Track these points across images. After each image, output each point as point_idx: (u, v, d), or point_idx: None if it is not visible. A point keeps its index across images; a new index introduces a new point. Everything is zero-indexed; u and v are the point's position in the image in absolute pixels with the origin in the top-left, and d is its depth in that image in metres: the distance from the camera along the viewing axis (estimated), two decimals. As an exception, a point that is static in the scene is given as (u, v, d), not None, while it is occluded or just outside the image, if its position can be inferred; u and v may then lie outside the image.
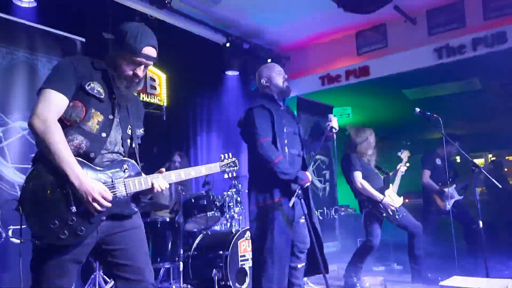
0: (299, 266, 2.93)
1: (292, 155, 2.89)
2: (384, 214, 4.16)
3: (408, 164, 4.45)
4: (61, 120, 1.82)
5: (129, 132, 2.03)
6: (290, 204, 2.71)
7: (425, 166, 5.16)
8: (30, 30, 3.89)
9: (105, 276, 3.80)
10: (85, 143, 1.83)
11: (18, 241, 3.55)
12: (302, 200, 2.87)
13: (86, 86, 1.87)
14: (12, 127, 3.72)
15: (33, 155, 1.84)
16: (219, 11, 5.44)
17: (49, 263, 1.77)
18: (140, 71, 1.95)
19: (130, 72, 1.93)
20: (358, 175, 4.25)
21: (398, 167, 4.40)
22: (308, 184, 2.83)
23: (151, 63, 1.98)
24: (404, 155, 4.44)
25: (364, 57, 6.27)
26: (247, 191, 2.97)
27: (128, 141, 2.03)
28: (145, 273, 1.92)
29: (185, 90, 5.87)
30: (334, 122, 3.01)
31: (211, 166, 2.31)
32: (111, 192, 1.85)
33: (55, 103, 1.79)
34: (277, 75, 3.03)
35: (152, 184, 1.97)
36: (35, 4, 3.99)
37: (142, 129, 2.17)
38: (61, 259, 1.78)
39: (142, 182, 1.95)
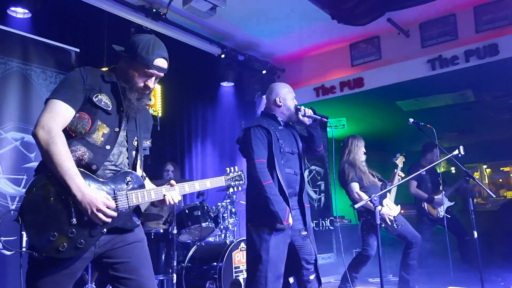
0: (311, 277, 2.91)
1: (287, 174, 2.87)
2: (383, 225, 4.14)
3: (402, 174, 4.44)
4: (66, 131, 1.81)
5: (135, 143, 2.01)
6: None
7: (412, 177, 5.19)
8: (24, 40, 3.88)
9: (97, 289, 3.75)
10: (87, 155, 1.82)
11: (9, 252, 3.50)
12: (300, 212, 2.89)
13: (93, 98, 1.86)
14: (5, 138, 3.69)
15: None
16: (214, 23, 5.47)
17: (45, 277, 1.73)
18: (151, 83, 1.97)
19: (142, 84, 1.94)
20: (355, 186, 4.25)
21: (394, 172, 4.38)
22: (285, 227, 2.70)
23: (162, 74, 1.98)
24: (399, 160, 4.42)
25: (358, 69, 6.31)
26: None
27: (133, 152, 2.01)
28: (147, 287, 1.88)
29: (179, 101, 5.87)
30: (303, 108, 2.95)
31: (216, 180, 2.25)
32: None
33: (61, 114, 1.78)
34: (292, 100, 3.02)
35: (164, 196, 1.98)
36: (30, 15, 3.99)
37: (150, 140, 2.17)
38: (58, 273, 1.75)
39: (145, 195, 1.93)
